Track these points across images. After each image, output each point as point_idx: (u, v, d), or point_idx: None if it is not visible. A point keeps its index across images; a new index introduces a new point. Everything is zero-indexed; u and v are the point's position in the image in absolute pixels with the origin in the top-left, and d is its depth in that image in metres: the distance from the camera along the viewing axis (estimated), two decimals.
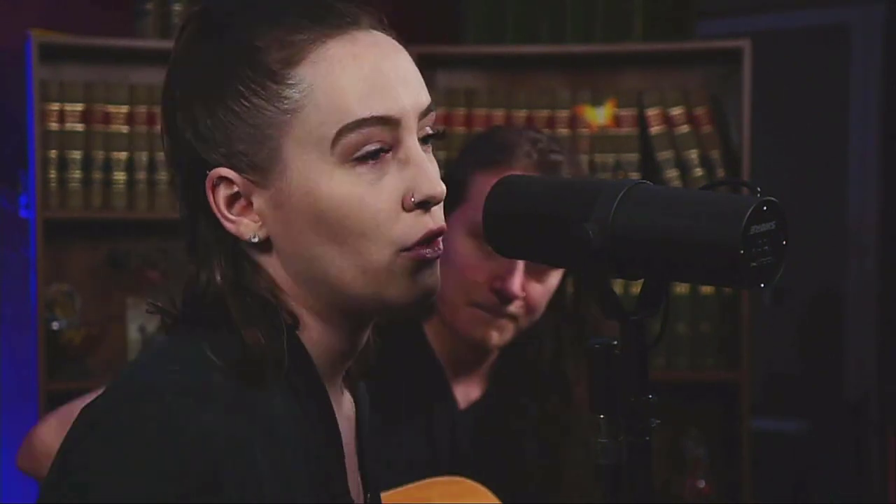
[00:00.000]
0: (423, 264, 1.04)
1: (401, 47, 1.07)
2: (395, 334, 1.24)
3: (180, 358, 1.02)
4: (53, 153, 3.09)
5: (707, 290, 3.27)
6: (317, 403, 1.06)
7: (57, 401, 2.87)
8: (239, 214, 1.04)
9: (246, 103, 1.02)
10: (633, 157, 3.27)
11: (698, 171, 3.24)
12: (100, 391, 1.57)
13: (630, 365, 0.97)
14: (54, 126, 3.10)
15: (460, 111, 3.23)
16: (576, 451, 1.87)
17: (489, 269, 1.78)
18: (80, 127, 3.12)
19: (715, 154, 3.26)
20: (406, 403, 1.81)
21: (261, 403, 1.00)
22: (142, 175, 3.15)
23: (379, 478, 1.22)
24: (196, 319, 1.04)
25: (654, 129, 3.27)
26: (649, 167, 3.27)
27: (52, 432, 1.73)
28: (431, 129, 1.08)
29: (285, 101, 1.02)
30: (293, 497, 1.00)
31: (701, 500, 3.19)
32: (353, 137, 1.02)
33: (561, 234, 0.98)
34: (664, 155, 3.26)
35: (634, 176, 3.21)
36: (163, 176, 3.12)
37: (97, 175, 3.12)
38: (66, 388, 2.99)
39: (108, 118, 3.14)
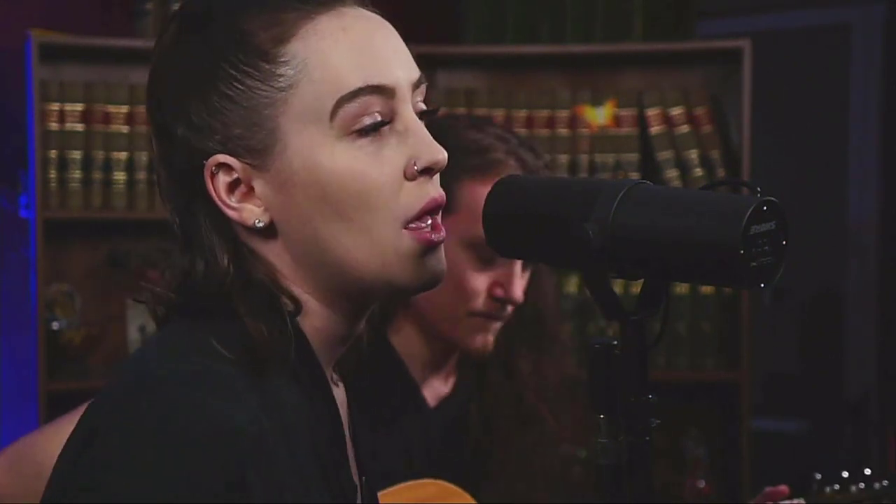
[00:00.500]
0: (428, 248, 1.04)
1: (387, 23, 1.07)
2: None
3: (188, 349, 1.00)
4: (53, 153, 3.09)
5: (707, 290, 3.27)
6: (320, 393, 1.06)
7: (57, 401, 2.88)
8: (240, 201, 1.03)
9: (239, 86, 1.02)
10: (633, 157, 3.27)
11: (698, 171, 3.24)
12: (46, 428, 1.55)
13: (630, 365, 0.97)
14: (54, 126, 3.09)
15: (460, 111, 3.23)
16: (530, 436, 1.88)
17: (488, 277, 1.77)
18: (80, 127, 3.12)
19: (715, 154, 3.26)
20: (375, 413, 1.78)
21: (270, 394, 0.99)
22: (142, 175, 3.15)
23: (369, 460, 1.21)
24: (195, 311, 1.03)
25: (654, 129, 3.27)
26: (649, 167, 3.27)
27: (0, 472, 1.58)
28: (425, 104, 1.08)
29: (279, 79, 1.01)
30: (307, 489, 1.00)
31: (701, 500, 3.19)
32: (351, 108, 1.01)
33: (561, 234, 0.98)
34: (664, 155, 3.26)
35: (634, 176, 3.21)
36: None
37: (97, 175, 3.12)
38: (66, 388, 3.00)
39: (108, 118, 3.14)
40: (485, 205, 1.04)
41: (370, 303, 1.09)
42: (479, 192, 1.69)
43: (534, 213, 1.02)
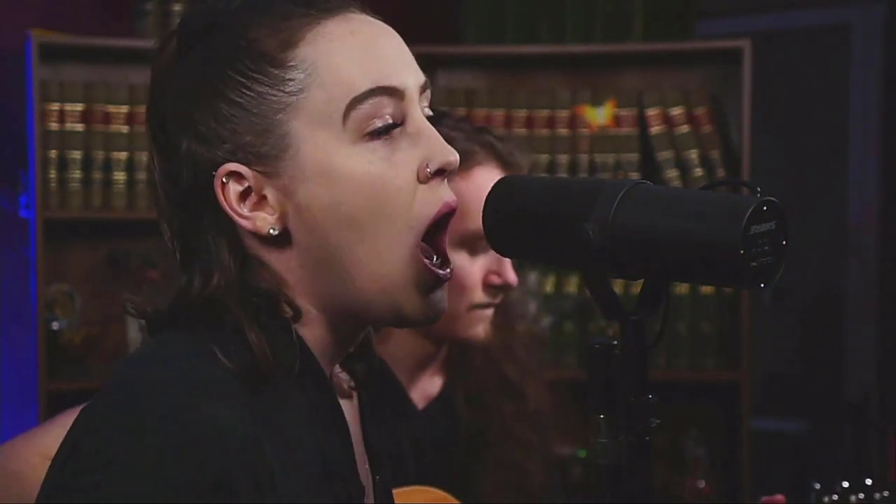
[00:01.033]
0: (436, 284, 1.04)
1: (391, 29, 1.07)
2: None
3: (182, 355, 0.99)
4: (53, 153, 3.09)
5: (707, 290, 3.27)
6: (323, 398, 1.05)
7: (57, 401, 2.88)
8: (253, 210, 1.02)
9: (248, 93, 1.01)
10: (633, 157, 3.28)
11: (698, 171, 3.24)
12: (21, 438, 1.55)
13: (630, 365, 0.97)
14: (54, 126, 3.10)
15: (460, 111, 3.23)
16: (514, 405, 1.89)
17: (480, 268, 1.79)
18: (80, 127, 3.12)
19: (715, 154, 3.26)
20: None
21: (268, 401, 0.99)
22: (142, 175, 3.15)
23: (383, 459, 1.21)
24: (193, 321, 1.02)
25: (654, 129, 3.27)
26: (649, 167, 3.27)
27: None
28: (431, 109, 1.07)
29: (289, 84, 1.01)
30: (309, 495, 1.00)
31: (701, 500, 3.19)
32: (363, 109, 1.01)
33: (561, 234, 0.98)
34: (664, 155, 3.26)
35: (634, 176, 3.21)
36: None
37: (97, 175, 3.13)
38: (66, 388, 3.00)
39: (108, 118, 3.14)
40: (485, 205, 1.04)
41: (368, 323, 1.09)
42: (459, 186, 1.69)
43: (534, 213, 1.02)
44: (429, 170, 1.03)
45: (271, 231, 1.02)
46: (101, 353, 3.24)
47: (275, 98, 1.01)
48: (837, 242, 4.72)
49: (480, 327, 1.81)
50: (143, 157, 3.16)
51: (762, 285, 0.92)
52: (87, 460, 0.92)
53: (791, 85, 4.73)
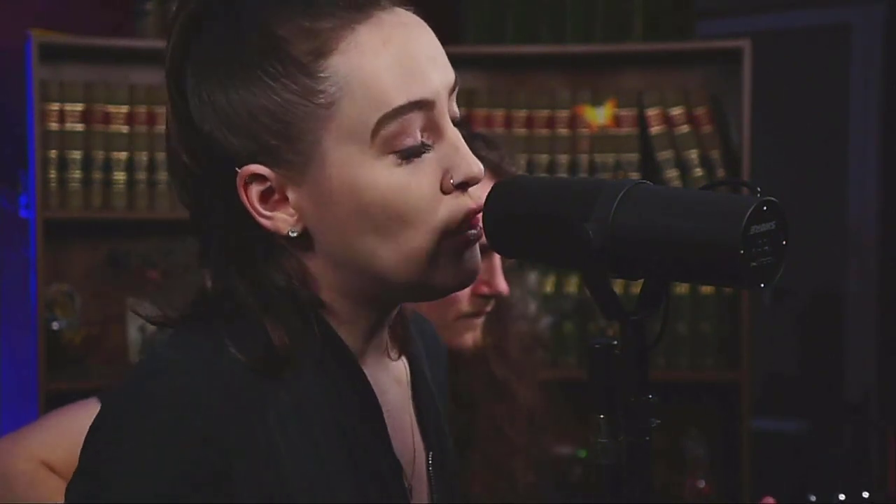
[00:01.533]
0: (465, 246, 1.04)
1: (422, 21, 1.06)
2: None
3: (196, 345, 1.01)
4: (53, 153, 3.09)
5: (707, 290, 3.27)
6: (352, 382, 1.06)
7: (57, 401, 2.87)
8: (273, 209, 1.02)
9: (277, 98, 0.99)
10: (633, 157, 3.28)
11: (698, 171, 3.24)
12: (12, 435, 1.58)
13: (630, 365, 0.97)
14: (54, 126, 3.10)
15: (460, 111, 3.22)
16: (504, 405, 1.90)
17: None
18: (80, 127, 3.12)
19: (715, 154, 3.26)
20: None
21: (286, 387, 1.00)
22: (142, 175, 3.15)
23: (445, 434, 1.21)
24: (213, 315, 1.03)
25: (654, 129, 3.27)
26: (649, 167, 3.27)
27: None
28: (457, 110, 1.07)
29: (320, 96, 0.99)
30: (329, 474, 1.01)
31: (701, 500, 3.19)
32: (392, 127, 1.00)
33: (561, 234, 0.98)
34: (664, 155, 3.26)
35: (634, 176, 3.21)
36: (163, 176, 3.12)
37: (97, 175, 3.13)
38: (66, 388, 2.99)
39: (108, 118, 3.14)
40: (485, 205, 1.04)
41: (402, 301, 1.11)
42: None
43: (534, 213, 1.01)
44: (452, 181, 1.02)
45: (290, 232, 1.02)
46: (101, 353, 3.24)
47: (305, 109, 0.99)
48: (837, 242, 4.72)
49: (469, 336, 1.81)
50: (143, 157, 3.16)
51: (762, 285, 0.92)
52: (92, 449, 0.98)
53: (791, 85, 4.74)
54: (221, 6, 1.03)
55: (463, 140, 1.05)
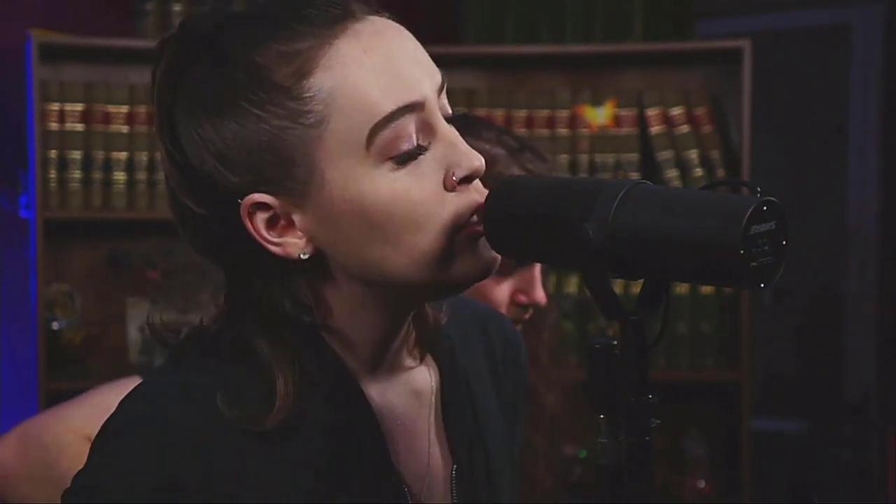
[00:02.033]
0: (477, 237, 1.03)
1: (400, 26, 1.05)
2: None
3: (183, 400, 1.03)
4: (53, 153, 3.09)
5: (707, 290, 3.27)
6: (349, 404, 1.06)
7: (57, 401, 2.86)
8: (281, 235, 1.02)
9: (266, 126, 0.99)
10: (633, 157, 3.28)
11: (698, 171, 3.24)
12: (53, 411, 1.67)
13: (630, 365, 0.97)
14: (54, 126, 3.10)
15: (460, 111, 3.22)
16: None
17: (508, 285, 1.76)
18: (80, 127, 3.12)
19: (715, 154, 3.26)
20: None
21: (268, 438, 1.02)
22: (142, 175, 3.15)
23: (474, 443, 1.19)
24: (217, 351, 1.04)
25: (654, 129, 3.27)
26: (649, 167, 3.27)
27: (9, 453, 1.62)
28: (450, 109, 1.06)
29: (308, 116, 0.98)
30: (324, 486, 1.02)
31: (701, 500, 3.19)
32: (386, 134, 0.99)
33: (561, 234, 0.98)
34: (664, 155, 3.26)
35: (634, 176, 3.21)
36: (163, 176, 3.11)
37: (97, 175, 3.13)
38: (66, 388, 2.99)
39: (108, 118, 3.14)
40: (485, 205, 1.04)
41: (426, 301, 1.12)
42: None
43: (534, 213, 1.01)
44: (455, 178, 1.02)
45: (302, 255, 1.02)
46: (101, 353, 3.24)
47: (295, 132, 0.99)
48: (837, 242, 4.72)
49: None
50: (143, 157, 3.16)
51: (762, 285, 0.92)
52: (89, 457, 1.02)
53: (791, 85, 4.74)
54: (198, 48, 1.02)
55: (459, 135, 1.04)
